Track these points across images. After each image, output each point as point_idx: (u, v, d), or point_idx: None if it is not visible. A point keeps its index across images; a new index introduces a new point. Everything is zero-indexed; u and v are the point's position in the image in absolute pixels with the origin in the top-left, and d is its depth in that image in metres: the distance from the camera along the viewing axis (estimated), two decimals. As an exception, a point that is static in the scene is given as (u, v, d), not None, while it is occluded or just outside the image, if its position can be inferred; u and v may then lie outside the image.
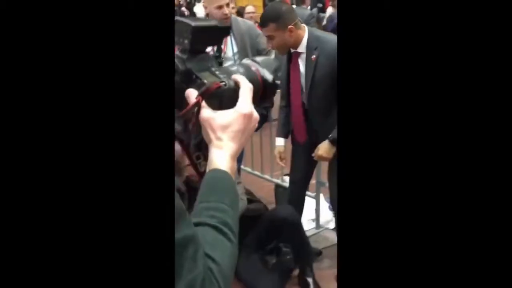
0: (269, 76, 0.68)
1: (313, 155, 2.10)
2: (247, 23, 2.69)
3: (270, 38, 1.98)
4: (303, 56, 2.01)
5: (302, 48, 2.00)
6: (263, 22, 1.98)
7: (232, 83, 0.62)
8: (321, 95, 2.00)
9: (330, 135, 1.99)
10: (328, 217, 2.89)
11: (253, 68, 0.68)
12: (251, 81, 0.63)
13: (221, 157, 0.59)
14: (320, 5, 9.22)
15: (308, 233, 2.55)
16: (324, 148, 2.02)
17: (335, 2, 5.24)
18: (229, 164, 0.58)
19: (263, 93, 0.67)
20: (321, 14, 8.54)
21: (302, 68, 2.03)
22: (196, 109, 0.58)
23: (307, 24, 2.27)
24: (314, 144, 2.08)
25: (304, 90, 2.05)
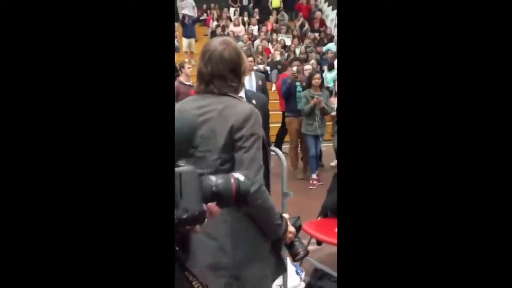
0: (244, 185, 0.84)
1: None
2: None
3: None
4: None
5: (242, 94, 2.35)
6: None
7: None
8: None
9: None
10: (295, 282, 2.76)
11: (232, 180, 0.83)
12: (225, 189, 0.81)
13: None
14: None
15: (276, 300, 2.44)
16: None
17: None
18: None
19: (236, 198, 0.83)
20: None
21: None
22: None
23: None
24: None
25: None
